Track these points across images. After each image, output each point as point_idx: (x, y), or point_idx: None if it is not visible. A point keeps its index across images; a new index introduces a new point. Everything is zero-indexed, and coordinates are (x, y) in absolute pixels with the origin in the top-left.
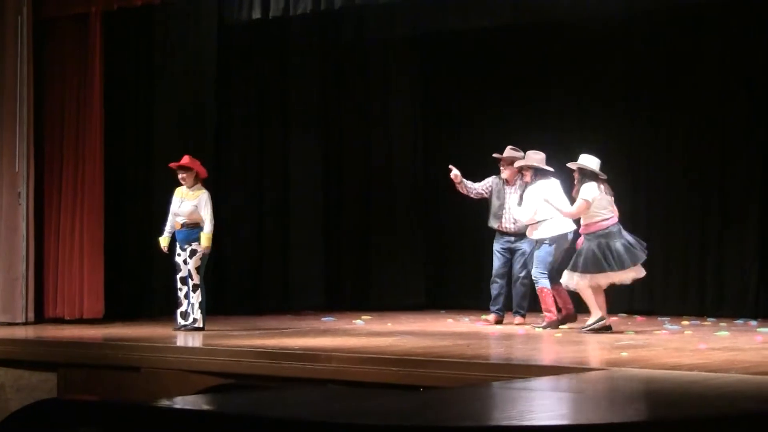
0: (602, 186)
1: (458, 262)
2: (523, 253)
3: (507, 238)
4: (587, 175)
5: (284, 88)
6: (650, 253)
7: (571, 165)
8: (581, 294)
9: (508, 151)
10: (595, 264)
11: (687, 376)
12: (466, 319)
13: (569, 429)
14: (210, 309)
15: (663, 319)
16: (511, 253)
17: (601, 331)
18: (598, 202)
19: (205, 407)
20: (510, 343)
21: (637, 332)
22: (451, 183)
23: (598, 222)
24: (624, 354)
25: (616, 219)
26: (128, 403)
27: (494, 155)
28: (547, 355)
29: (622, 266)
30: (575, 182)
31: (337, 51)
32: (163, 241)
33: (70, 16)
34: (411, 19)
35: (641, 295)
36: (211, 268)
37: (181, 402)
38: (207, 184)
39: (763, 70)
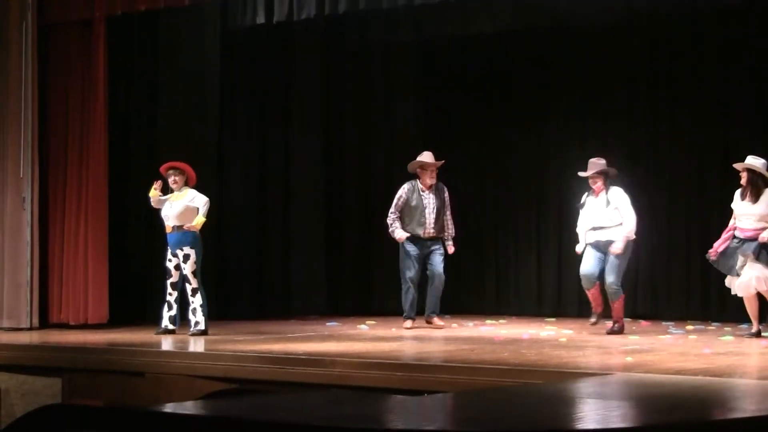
0: None
1: (461, 267)
2: (441, 253)
3: (425, 243)
4: (761, 177)
5: (287, 93)
6: (654, 257)
7: (737, 166)
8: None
9: (430, 156)
10: None
11: (691, 381)
12: (470, 324)
13: None
14: (213, 314)
15: (667, 323)
16: (425, 258)
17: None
18: None
19: (209, 412)
20: (515, 347)
21: (641, 336)
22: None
23: None
24: (629, 359)
25: None
26: (132, 409)
27: (409, 167)
28: (551, 360)
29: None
30: (744, 183)
31: (340, 56)
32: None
33: (75, 22)
34: (414, 24)
35: (645, 300)
36: (214, 273)
37: (185, 407)
38: (209, 188)
39: (764, 70)
